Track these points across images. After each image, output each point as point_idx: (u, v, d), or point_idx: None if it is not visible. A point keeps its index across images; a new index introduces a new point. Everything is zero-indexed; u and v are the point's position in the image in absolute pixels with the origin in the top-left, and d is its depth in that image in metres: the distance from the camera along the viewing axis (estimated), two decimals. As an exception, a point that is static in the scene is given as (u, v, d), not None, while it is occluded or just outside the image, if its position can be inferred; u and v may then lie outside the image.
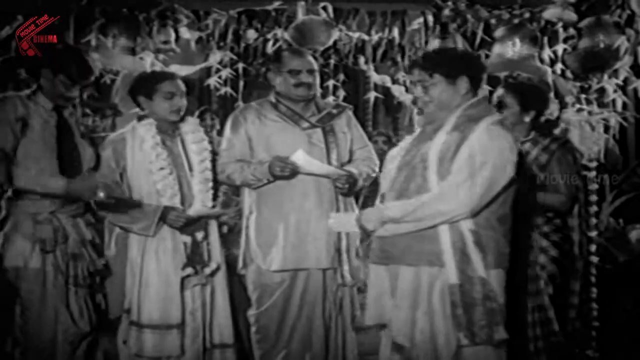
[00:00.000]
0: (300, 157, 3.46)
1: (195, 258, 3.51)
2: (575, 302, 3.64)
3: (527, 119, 3.50)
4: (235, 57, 4.50)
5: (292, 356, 3.62)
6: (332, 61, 4.62)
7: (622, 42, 3.91)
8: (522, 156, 3.31)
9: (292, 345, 3.61)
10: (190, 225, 3.52)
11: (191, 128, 3.64)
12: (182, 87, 3.56)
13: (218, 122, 6.26)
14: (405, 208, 2.81)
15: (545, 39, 4.10)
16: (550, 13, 4.01)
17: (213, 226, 3.63)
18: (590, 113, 4.11)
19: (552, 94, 3.84)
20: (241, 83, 4.59)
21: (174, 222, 3.48)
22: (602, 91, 4.12)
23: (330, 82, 4.73)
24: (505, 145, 2.80)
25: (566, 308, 3.63)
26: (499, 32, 4.12)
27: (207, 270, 3.54)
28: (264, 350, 3.62)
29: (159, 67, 4.44)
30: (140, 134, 3.52)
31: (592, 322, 4.13)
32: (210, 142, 3.67)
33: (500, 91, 3.55)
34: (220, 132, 6.19)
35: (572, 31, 4.02)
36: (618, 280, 4.71)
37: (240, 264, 3.69)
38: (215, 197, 3.62)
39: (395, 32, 4.36)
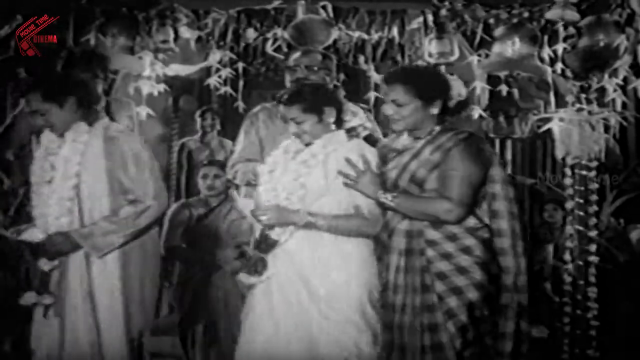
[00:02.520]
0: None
1: (41, 289, 3.21)
2: (507, 350, 2.85)
3: (435, 110, 2.90)
4: (234, 57, 4.50)
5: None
6: (331, 60, 4.63)
7: (621, 41, 3.90)
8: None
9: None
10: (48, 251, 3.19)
11: (73, 136, 3.24)
12: (37, 105, 3.18)
13: (218, 122, 6.28)
14: None
15: (545, 38, 4.09)
16: (552, 13, 4.00)
17: (74, 257, 3.21)
18: (590, 112, 4.09)
19: (452, 77, 3.36)
20: (241, 82, 4.58)
21: None
22: (602, 91, 4.10)
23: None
24: None
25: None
26: (498, 32, 4.11)
27: (46, 302, 3.19)
28: None
29: (158, 66, 4.45)
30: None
31: (592, 322, 4.13)
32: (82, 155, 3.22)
33: (387, 88, 2.93)
34: (220, 132, 6.26)
35: (572, 30, 4.01)
36: (618, 281, 4.70)
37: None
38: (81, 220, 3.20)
39: (395, 31, 4.34)
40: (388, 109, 2.90)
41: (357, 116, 3.13)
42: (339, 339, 2.84)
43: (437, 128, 2.91)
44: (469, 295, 2.76)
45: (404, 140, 2.98)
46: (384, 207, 2.88)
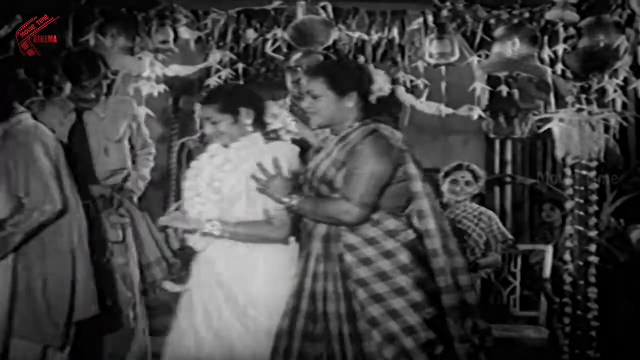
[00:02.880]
0: None
1: None
2: (463, 352, 2.72)
3: (350, 104, 2.77)
4: (234, 57, 4.48)
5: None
6: (331, 61, 4.61)
7: (621, 42, 3.88)
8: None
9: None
10: None
11: None
12: None
13: (218, 122, 6.27)
14: None
15: (545, 39, 4.08)
16: (552, 14, 3.99)
17: None
18: (590, 113, 4.09)
19: (377, 71, 3.03)
20: (241, 83, 4.57)
21: None
22: (602, 91, 4.09)
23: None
24: None
25: None
26: (498, 32, 4.09)
27: None
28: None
29: (158, 66, 4.45)
30: None
31: (592, 323, 4.13)
32: None
33: (306, 80, 2.84)
34: (220, 132, 6.26)
35: (572, 31, 4.00)
36: (618, 281, 4.71)
37: None
38: None
39: (395, 32, 4.32)
40: (304, 102, 2.81)
41: (278, 119, 3.02)
42: (256, 351, 2.76)
43: (356, 124, 2.77)
44: (391, 302, 2.62)
45: (325, 137, 2.89)
46: (291, 212, 2.77)
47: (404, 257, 2.67)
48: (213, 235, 2.82)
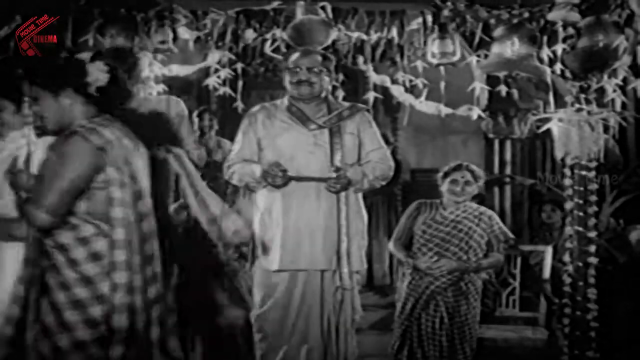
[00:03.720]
0: None
1: None
2: None
3: (66, 101, 2.61)
4: (233, 57, 4.49)
5: (291, 352, 3.61)
6: (330, 61, 4.61)
7: (621, 42, 3.89)
8: None
9: (291, 342, 3.61)
10: None
11: None
12: None
13: (216, 122, 6.28)
14: None
15: (544, 39, 4.07)
16: (554, 15, 3.99)
17: None
18: (589, 113, 4.08)
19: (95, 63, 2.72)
20: (240, 83, 4.57)
21: None
22: (601, 91, 4.09)
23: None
24: None
25: None
26: (497, 32, 4.09)
27: None
28: (263, 351, 3.63)
29: (157, 67, 4.45)
30: None
31: (591, 323, 4.12)
32: None
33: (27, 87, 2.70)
34: (218, 132, 6.26)
35: (571, 30, 4.00)
36: (618, 282, 4.70)
37: (248, 262, 3.72)
38: None
39: (394, 32, 4.32)
40: (33, 109, 2.66)
41: None
42: None
43: (84, 122, 2.61)
44: (66, 314, 2.50)
45: None
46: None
47: (89, 268, 2.54)
48: None
